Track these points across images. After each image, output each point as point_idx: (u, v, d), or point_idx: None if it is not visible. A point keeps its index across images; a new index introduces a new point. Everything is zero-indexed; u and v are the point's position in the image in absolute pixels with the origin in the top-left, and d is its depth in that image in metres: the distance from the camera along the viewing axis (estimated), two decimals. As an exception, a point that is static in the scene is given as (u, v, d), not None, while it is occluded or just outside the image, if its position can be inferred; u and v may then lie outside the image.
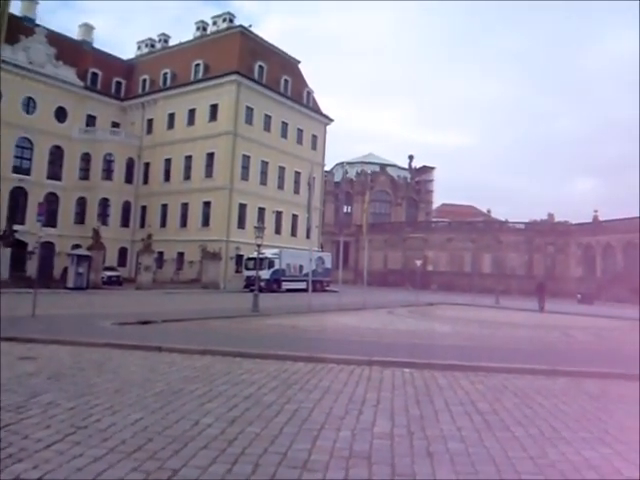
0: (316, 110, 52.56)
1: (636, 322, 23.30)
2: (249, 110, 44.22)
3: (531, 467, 4.43)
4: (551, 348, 12.68)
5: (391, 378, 8.16)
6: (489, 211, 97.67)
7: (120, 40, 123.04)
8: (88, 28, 52.56)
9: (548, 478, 4.18)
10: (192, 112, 45.36)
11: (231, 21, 49.32)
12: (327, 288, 41.73)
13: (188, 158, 44.83)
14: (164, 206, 45.70)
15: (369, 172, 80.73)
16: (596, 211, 69.10)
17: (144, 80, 50.59)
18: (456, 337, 14.28)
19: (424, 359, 9.53)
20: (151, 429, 5.02)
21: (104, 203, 45.75)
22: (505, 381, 8.29)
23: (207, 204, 42.98)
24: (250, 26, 48.45)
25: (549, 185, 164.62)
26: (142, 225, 45.62)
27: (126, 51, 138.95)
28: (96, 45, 52.70)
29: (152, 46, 54.91)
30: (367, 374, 8.42)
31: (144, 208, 47.30)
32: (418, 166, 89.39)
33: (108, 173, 46.28)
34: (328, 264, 44.04)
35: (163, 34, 55.13)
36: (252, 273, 29.24)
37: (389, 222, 78.43)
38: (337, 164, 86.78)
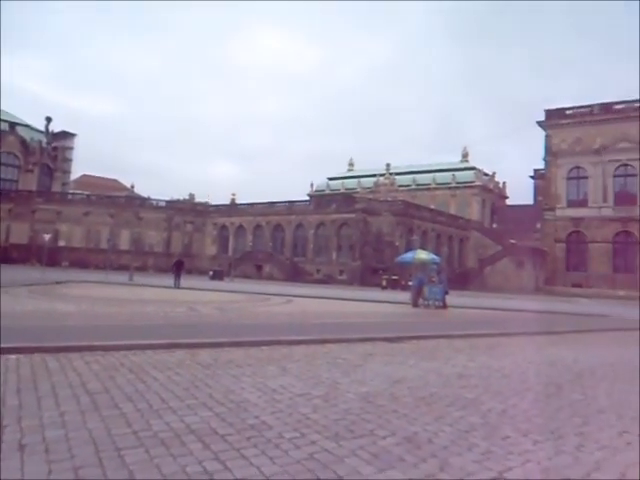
0: None
1: (255, 295, 26.60)
2: None
3: (133, 441, 4.48)
4: (174, 322, 13.24)
5: (-10, 368, 7.15)
6: (132, 186, 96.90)
7: None
8: None
9: (148, 449, 4.29)
10: None
11: None
12: None
13: None
14: None
15: (-7, 130, 70.03)
16: (233, 194, 77.21)
17: None
18: (79, 317, 13.53)
19: (32, 342, 8.67)
20: None
21: None
22: (123, 358, 8.23)
23: None
24: None
25: (193, 166, 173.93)
26: None
27: None
28: None
29: None
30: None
31: None
32: (57, 130, 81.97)
33: None
34: None
35: None
36: None
37: (16, 190, 69.84)
38: (-51, 115, 72.27)
